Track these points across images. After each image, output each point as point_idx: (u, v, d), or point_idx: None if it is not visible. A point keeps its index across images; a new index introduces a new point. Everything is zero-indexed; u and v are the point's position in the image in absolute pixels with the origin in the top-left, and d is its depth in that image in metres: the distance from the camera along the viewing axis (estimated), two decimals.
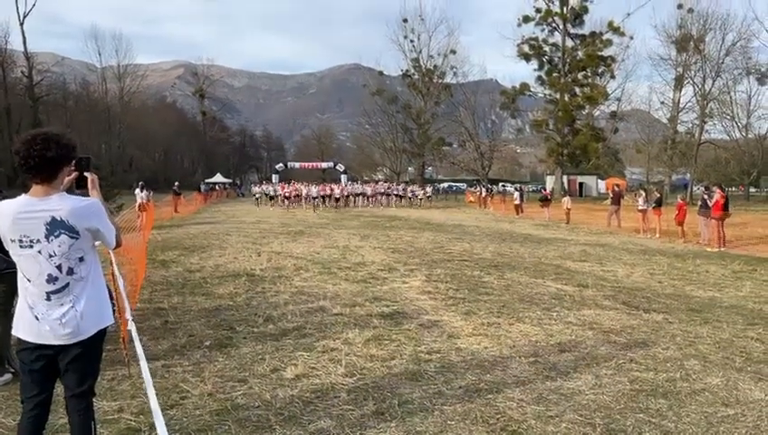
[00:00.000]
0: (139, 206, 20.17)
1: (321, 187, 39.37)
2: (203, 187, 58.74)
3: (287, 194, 37.83)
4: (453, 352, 6.03)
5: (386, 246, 15.93)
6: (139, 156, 79.54)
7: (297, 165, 69.28)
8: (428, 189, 48.37)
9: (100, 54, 76.87)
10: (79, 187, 3.23)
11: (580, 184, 65.75)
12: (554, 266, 12.47)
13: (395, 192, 44.76)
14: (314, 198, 36.51)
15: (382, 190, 44.35)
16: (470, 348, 6.18)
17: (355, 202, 41.48)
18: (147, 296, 8.61)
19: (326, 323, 7.10)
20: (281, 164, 65.80)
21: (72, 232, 2.93)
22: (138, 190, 23.16)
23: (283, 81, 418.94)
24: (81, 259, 3.00)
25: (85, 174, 3.25)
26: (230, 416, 4.40)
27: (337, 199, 37.32)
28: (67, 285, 2.97)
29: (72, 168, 3.13)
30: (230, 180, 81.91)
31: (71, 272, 2.97)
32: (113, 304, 6.15)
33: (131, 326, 4.60)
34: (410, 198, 44.28)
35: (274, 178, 61.33)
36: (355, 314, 7.63)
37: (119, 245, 3.25)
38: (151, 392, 3.30)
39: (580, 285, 10.20)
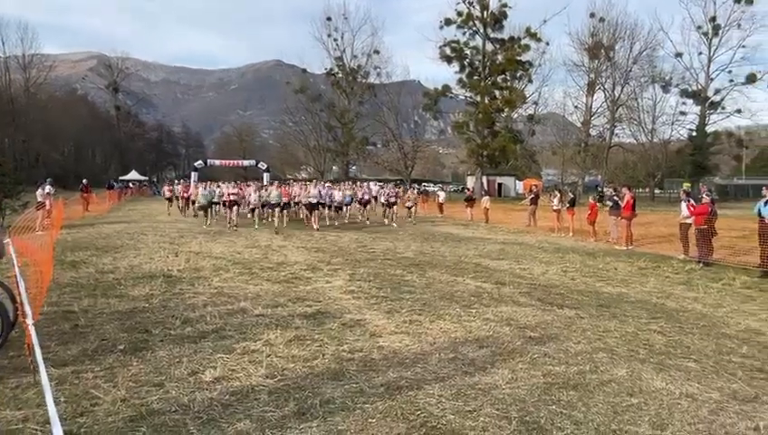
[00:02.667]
0: (38, 204, 19.04)
1: (283, 190, 23.07)
2: (118, 184, 56.25)
3: (230, 199, 22.31)
4: (375, 350, 6.07)
5: (309, 245, 15.82)
6: (47, 151, 75.17)
7: (218, 162, 67.52)
8: (414, 191, 32.87)
9: (3, 43, 72.25)
10: None
11: (499, 184, 67.67)
12: (474, 265, 12.78)
13: (391, 198, 26.03)
14: (276, 207, 21.61)
15: (374, 194, 29.02)
16: (392, 346, 6.24)
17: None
18: (55, 299, 8.16)
19: (246, 325, 6.98)
20: (200, 161, 63.91)
21: None
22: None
23: (202, 76, 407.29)
24: None
25: None
26: (145, 422, 4.25)
27: (338, 209, 23.84)
28: None
29: None
30: (146, 177, 78.85)
31: None
32: (16, 308, 5.81)
33: (32, 331, 4.35)
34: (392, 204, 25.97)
35: (193, 176, 59.59)
36: (277, 314, 7.54)
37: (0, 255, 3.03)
38: (49, 399, 3.11)
39: (499, 282, 10.51)
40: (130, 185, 62.52)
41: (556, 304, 8.73)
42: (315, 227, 21.17)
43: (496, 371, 5.51)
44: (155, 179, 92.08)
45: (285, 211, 22.44)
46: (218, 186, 26.11)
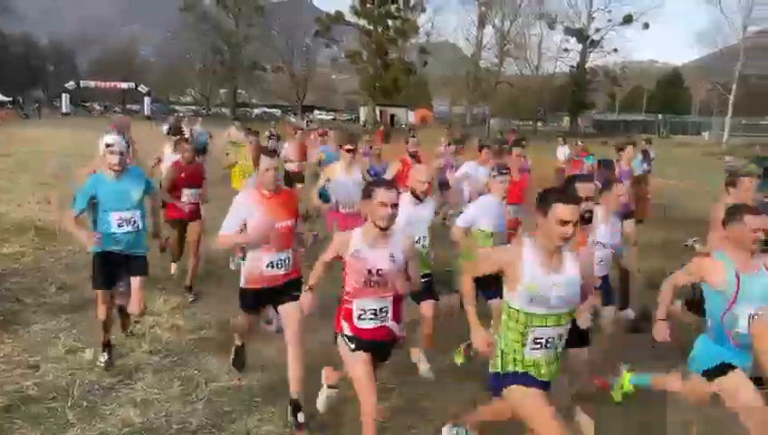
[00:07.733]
0: None
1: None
2: None
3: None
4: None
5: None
6: None
7: (92, 84, 62.34)
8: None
9: None
10: None
11: (392, 116, 67.86)
12: None
13: None
14: None
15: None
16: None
17: None
18: None
19: None
20: (72, 82, 58.85)
21: None
22: None
23: None
24: None
25: None
26: (20, 412, 4.16)
27: None
28: None
29: None
30: (9, 99, 71.51)
31: None
32: None
33: None
34: None
35: (64, 98, 55.10)
36: (159, 275, 7.37)
37: None
38: None
39: None
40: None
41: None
42: None
43: None
44: (20, 99, 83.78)
45: None
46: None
